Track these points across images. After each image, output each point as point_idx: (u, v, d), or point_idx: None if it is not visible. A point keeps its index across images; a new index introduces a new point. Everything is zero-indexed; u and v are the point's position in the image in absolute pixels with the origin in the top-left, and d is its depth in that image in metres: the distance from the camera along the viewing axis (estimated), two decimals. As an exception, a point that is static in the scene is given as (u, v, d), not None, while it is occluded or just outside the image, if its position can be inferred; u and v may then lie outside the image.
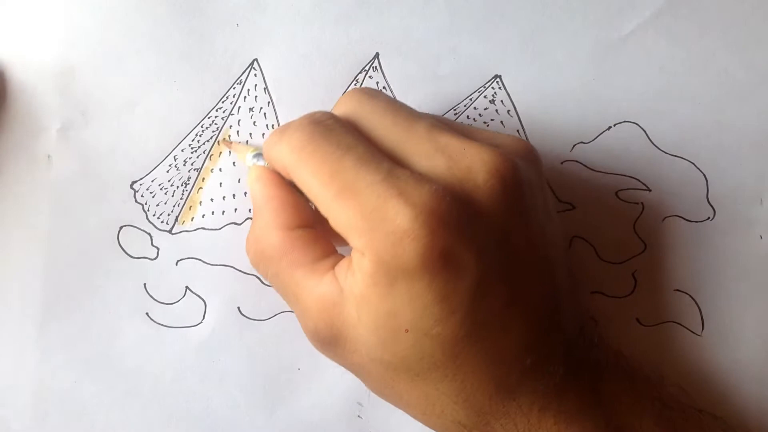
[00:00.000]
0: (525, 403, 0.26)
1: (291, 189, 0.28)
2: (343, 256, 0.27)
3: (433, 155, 0.25)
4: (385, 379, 0.27)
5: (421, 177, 0.24)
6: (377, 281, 0.24)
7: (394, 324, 0.25)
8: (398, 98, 0.33)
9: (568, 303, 0.28)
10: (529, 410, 0.26)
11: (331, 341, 0.27)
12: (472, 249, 0.24)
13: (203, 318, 0.33)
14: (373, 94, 0.28)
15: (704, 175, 0.33)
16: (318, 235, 0.28)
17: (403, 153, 0.26)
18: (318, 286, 0.26)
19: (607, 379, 0.28)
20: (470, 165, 0.25)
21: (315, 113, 0.27)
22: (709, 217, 0.33)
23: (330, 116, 0.27)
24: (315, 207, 0.26)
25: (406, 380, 0.26)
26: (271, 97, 0.32)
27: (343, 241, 0.26)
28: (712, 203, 0.33)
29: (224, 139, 0.32)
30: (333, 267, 0.27)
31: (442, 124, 0.27)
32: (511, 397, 0.26)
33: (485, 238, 0.25)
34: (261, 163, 0.29)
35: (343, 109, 0.28)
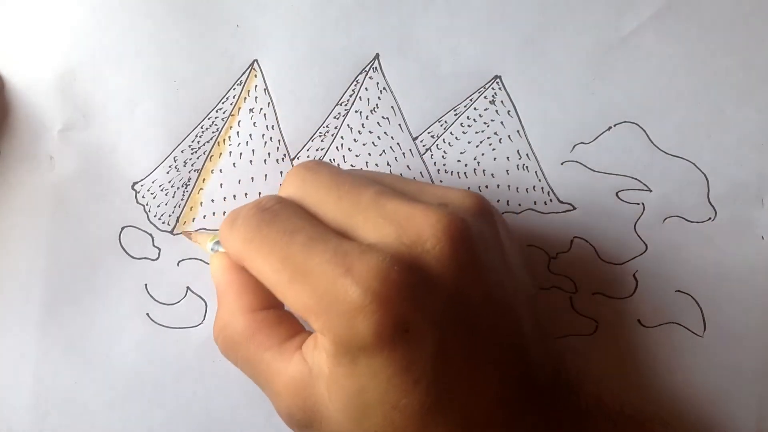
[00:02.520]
0: None
1: (249, 277, 0.28)
2: (310, 333, 0.27)
3: (382, 225, 0.25)
4: None
5: (368, 248, 0.24)
6: (339, 361, 0.24)
7: (362, 401, 0.25)
8: (398, 99, 0.33)
9: (537, 352, 0.27)
10: None
11: (306, 423, 0.26)
12: (426, 316, 0.24)
13: (204, 318, 0.33)
14: (316, 168, 0.28)
15: (705, 175, 0.33)
16: (283, 316, 0.28)
17: (351, 226, 0.26)
18: (287, 368, 0.26)
19: (589, 426, 0.28)
20: (418, 230, 0.25)
21: (262, 199, 0.27)
22: (710, 218, 0.33)
23: (276, 201, 0.27)
24: None
25: None
26: (271, 98, 0.33)
27: None
28: (713, 203, 0.33)
29: (183, 231, 0.33)
30: (300, 346, 0.27)
31: (388, 190, 0.27)
32: None
33: (439, 301, 0.24)
34: (221, 249, 0.29)
35: (288, 189, 0.28)
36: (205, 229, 0.33)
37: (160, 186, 0.33)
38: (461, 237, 0.25)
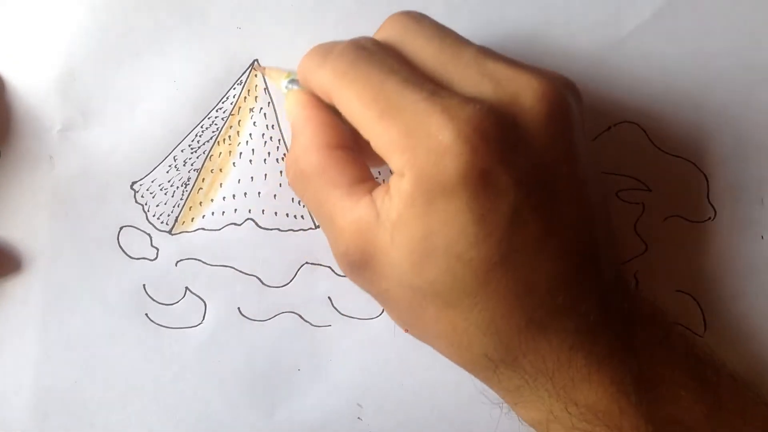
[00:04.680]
0: (555, 341, 0.26)
1: (330, 111, 0.28)
2: (380, 184, 0.27)
3: (480, 81, 0.25)
4: (413, 307, 0.26)
5: (465, 98, 0.24)
6: (415, 201, 0.24)
7: (428, 246, 0.24)
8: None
9: (605, 249, 0.27)
10: (559, 348, 0.26)
11: (361, 265, 0.26)
12: (513, 173, 0.24)
13: (203, 319, 0.33)
14: (419, 17, 0.28)
15: (705, 175, 0.33)
16: (357, 158, 0.28)
17: (448, 78, 0.26)
18: (354, 209, 0.26)
19: (642, 330, 0.27)
20: (518, 90, 0.25)
21: (359, 38, 0.27)
22: (710, 217, 0.33)
23: (373, 42, 0.27)
24: (354, 131, 0.26)
25: (435, 309, 0.26)
26: (271, 98, 0.33)
27: (381, 164, 0.26)
28: (713, 203, 0.33)
29: (256, 65, 0.32)
30: (370, 192, 0.26)
31: (489, 51, 0.27)
32: (542, 334, 0.25)
33: (527, 163, 0.24)
34: (296, 87, 0.29)
35: (387, 33, 0.28)
36: (204, 229, 0.33)
37: (159, 185, 0.33)
38: (559, 104, 0.25)
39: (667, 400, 0.27)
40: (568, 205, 0.26)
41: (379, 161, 0.26)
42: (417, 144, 0.24)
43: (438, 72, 0.26)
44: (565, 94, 0.26)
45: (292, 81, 0.30)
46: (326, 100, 0.27)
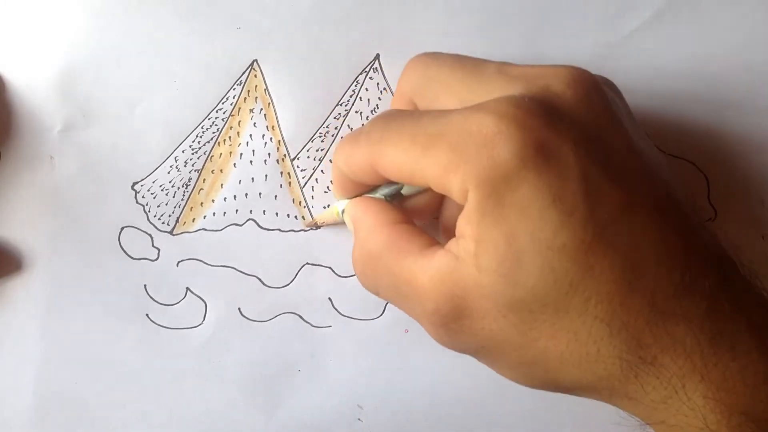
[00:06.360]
0: (691, 329, 0.23)
1: (383, 201, 0.29)
2: None
3: (508, 85, 0.25)
4: (525, 334, 0.24)
5: (498, 98, 0.24)
6: (485, 210, 0.23)
7: (515, 249, 0.23)
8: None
9: (696, 219, 0.25)
10: (698, 338, 0.23)
11: (455, 315, 0.24)
12: (568, 142, 0.23)
13: (204, 319, 0.33)
14: (436, 54, 0.28)
15: (705, 175, 0.33)
16: (420, 229, 0.27)
17: (478, 96, 0.25)
18: (431, 263, 0.25)
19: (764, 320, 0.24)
20: (547, 83, 0.25)
21: (386, 111, 0.28)
22: (710, 218, 0.33)
23: (395, 108, 0.28)
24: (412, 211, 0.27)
25: (549, 325, 0.23)
26: (271, 98, 0.33)
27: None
28: (713, 204, 0.33)
29: (308, 223, 0.33)
30: (443, 248, 0.25)
31: (510, 63, 0.27)
32: (672, 320, 0.23)
33: (579, 134, 0.23)
34: (343, 207, 0.30)
35: (410, 75, 0.28)
36: (205, 230, 0.33)
37: (160, 186, 0.33)
38: (592, 86, 0.25)
39: None
40: (638, 173, 0.24)
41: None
42: (465, 150, 0.23)
43: (468, 97, 0.25)
44: (595, 79, 0.25)
45: (341, 203, 0.30)
46: (371, 177, 0.27)
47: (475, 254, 0.23)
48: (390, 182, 0.28)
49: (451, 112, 0.24)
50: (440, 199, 0.29)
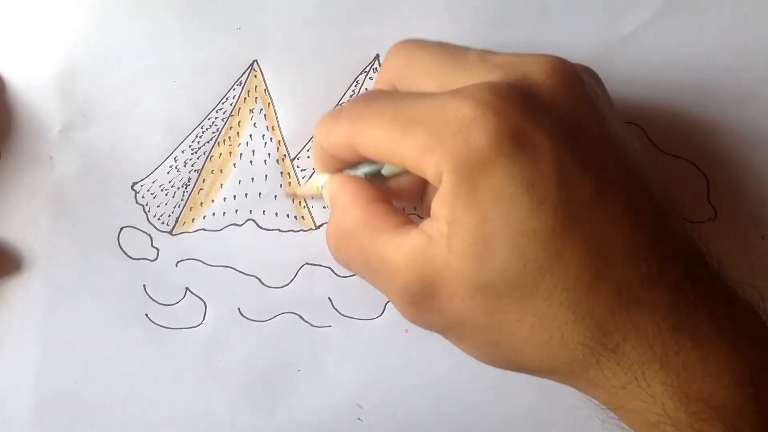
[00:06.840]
0: (654, 319, 0.23)
1: (362, 179, 0.29)
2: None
3: (488, 73, 0.25)
4: (491, 315, 0.24)
5: (477, 83, 0.24)
6: (459, 193, 0.23)
7: (486, 233, 0.23)
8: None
9: (670, 212, 0.25)
10: (661, 328, 0.23)
11: (424, 294, 0.25)
12: (543, 130, 0.23)
13: (203, 319, 0.33)
14: (418, 41, 0.28)
15: (705, 175, 0.33)
16: (395, 208, 0.28)
17: (458, 82, 0.25)
18: (404, 242, 0.25)
19: (741, 312, 0.25)
20: (526, 70, 0.25)
21: (367, 91, 0.28)
22: (710, 218, 0.33)
23: (377, 88, 0.28)
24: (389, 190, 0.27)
25: (515, 307, 0.24)
26: (271, 98, 0.33)
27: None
28: (713, 204, 0.33)
29: (289, 193, 0.33)
30: (417, 227, 0.26)
31: (492, 51, 0.27)
32: (637, 310, 0.23)
33: (555, 122, 0.24)
34: (322, 182, 0.30)
35: (392, 60, 0.28)
36: (204, 230, 0.33)
37: (160, 186, 0.33)
38: (571, 76, 0.25)
39: None
40: (613, 164, 0.24)
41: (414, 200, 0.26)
42: (442, 134, 0.24)
43: (448, 82, 0.26)
44: (575, 68, 0.26)
45: (320, 177, 0.30)
46: (350, 154, 0.27)
47: (448, 235, 0.24)
48: (371, 161, 0.28)
49: (431, 95, 0.25)
50: (423, 183, 0.29)
